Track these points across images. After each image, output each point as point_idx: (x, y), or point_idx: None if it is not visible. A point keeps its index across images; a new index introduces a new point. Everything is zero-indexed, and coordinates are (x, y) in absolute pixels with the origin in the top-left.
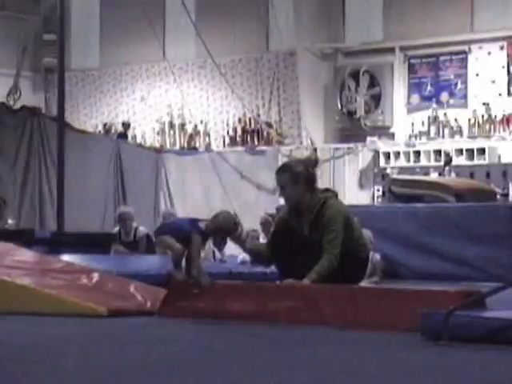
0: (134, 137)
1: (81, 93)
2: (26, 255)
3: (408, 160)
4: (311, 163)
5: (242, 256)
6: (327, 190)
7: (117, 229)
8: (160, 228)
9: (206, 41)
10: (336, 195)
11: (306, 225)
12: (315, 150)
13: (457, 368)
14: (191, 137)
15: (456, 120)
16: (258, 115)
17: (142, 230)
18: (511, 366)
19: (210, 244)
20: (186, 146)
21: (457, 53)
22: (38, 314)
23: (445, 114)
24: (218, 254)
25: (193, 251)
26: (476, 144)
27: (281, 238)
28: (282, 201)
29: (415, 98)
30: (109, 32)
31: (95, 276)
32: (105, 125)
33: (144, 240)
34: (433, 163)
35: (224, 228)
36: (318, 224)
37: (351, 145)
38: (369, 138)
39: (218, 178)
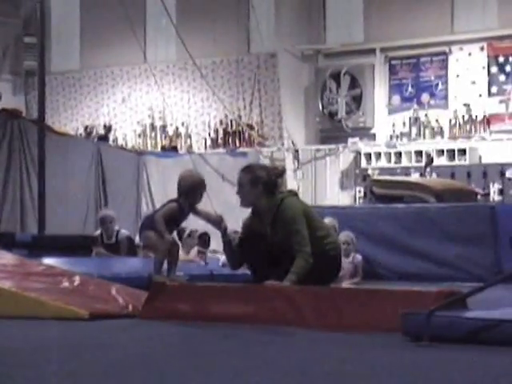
0: (116, 139)
1: (61, 95)
2: (6, 258)
3: (389, 161)
4: (276, 172)
5: (224, 258)
6: (289, 191)
7: (98, 231)
8: (142, 224)
9: (186, 43)
10: (295, 194)
11: (268, 226)
12: (297, 151)
13: (438, 368)
14: (172, 139)
15: (437, 121)
16: (240, 117)
17: (124, 232)
18: (492, 365)
19: (195, 248)
20: (167, 148)
21: (437, 54)
22: (18, 318)
23: (425, 114)
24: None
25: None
26: (457, 145)
27: (248, 243)
28: None
29: (396, 99)
30: (89, 34)
31: (76, 279)
32: (86, 127)
33: (125, 242)
34: (414, 164)
35: (197, 181)
36: (276, 225)
37: (332, 146)
38: (350, 139)
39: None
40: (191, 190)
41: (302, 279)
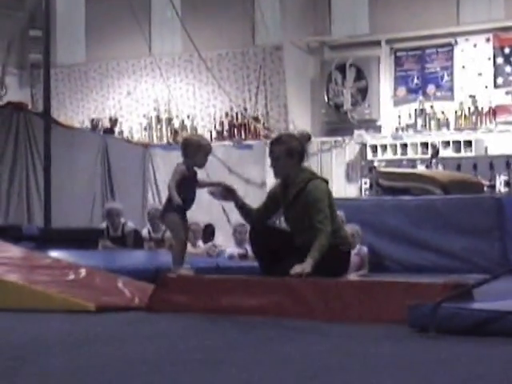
0: (121, 132)
1: (67, 88)
2: (13, 251)
3: (395, 153)
4: (305, 138)
5: (230, 251)
6: (322, 177)
7: (105, 224)
8: (164, 207)
9: (192, 35)
10: (327, 181)
11: (289, 198)
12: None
13: (444, 360)
14: (176, 132)
15: (443, 112)
16: (245, 109)
17: (130, 225)
18: (498, 357)
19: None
20: (172, 140)
21: (443, 45)
22: (25, 311)
23: (431, 106)
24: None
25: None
26: (463, 136)
27: (258, 236)
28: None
29: (402, 91)
30: (94, 27)
31: (83, 272)
32: (92, 120)
33: (132, 235)
34: (420, 156)
35: (200, 142)
36: (299, 199)
37: (338, 138)
38: (356, 131)
39: (205, 172)
40: (196, 150)
41: (322, 256)
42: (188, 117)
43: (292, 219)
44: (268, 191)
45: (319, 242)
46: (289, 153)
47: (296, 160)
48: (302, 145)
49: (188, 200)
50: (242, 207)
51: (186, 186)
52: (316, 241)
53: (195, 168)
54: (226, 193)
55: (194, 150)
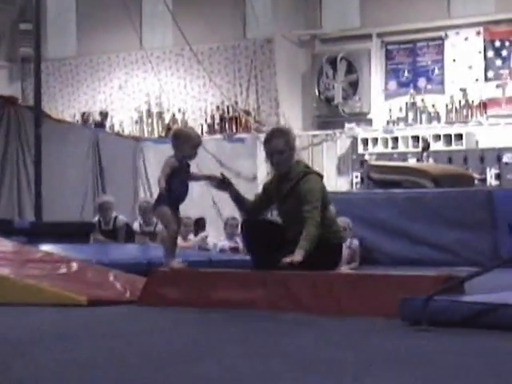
0: (112, 126)
1: (58, 82)
2: (4, 245)
3: (386, 146)
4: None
5: (222, 244)
6: (317, 172)
7: (96, 218)
8: (157, 199)
9: (183, 29)
10: (322, 176)
11: (283, 191)
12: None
13: (436, 353)
14: (170, 128)
15: (433, 106)
16: (236, 103)
17: (122, 218)
18: (490, 349)
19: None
20: (165, 135)
21: (433, 39)
22: (17, 304)
23: (422, 99)
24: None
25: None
26: (453, 129)
27: (250, 229)
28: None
29: (392, 84)
30: (85, 21)
31: (74, 265)
32: (83, 114)
33: (123, 229)
34: (411, 149)
35: (189, 133)
36: (293, 193)
37: (329, 131)
38: (347, 125)
39: (196, 166)
40: (184, 141)
41: (312, 247)
42: (179, 110)
43: (285, 212)
44: (263, 184)
45: (307, 231)
46: (290, 145)
47: (294, 152)
48: (294, 136)
49: (180, 193)
50: (237, 199)
51: (178, 178)
52: (304, 230)
53: (187, 160)
54: (221, 184)
55: (183, 142)
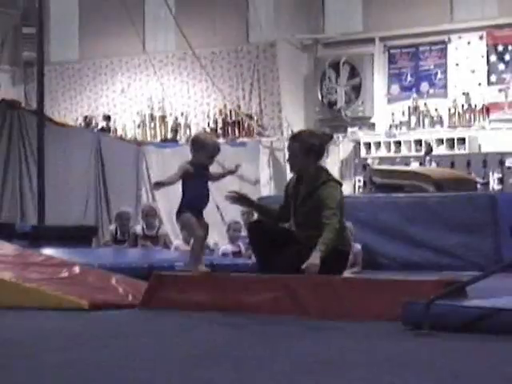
0: (115, 130)
1: (60, 86)
2: (6, 249)
3: (389, 150)
4: (325, 139)
5: (224, 248)
6: (338, 181)
7: (112, 227)
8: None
9: (185, 33)
10: (341, 185)
11: (302, 194)
12: None
13: (437, 357)
14: (177, 130)
15: (436, 110)
16: (239, 107)
17: (137, 229)
18: (491, 354)
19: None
20: (166, 138)
21: (436, 43)
22: (19, 308)
23: (425, 103)
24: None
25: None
26: (456, 133)
27: (257, 232)
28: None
29: (395, 89)
30: (88, 25)
31: (76, 269)
32: (85, 118)
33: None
34: (413, 153)
35: (208, 143)
36: (311, 197)
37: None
38: (349, 129)
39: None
40: (200, 149)
41: (327, 252)
42: (182, 114)
43: (300, 214)
44: (284, 189)
45: (327, 235)
46: (305, 151)
47: (312, 158)
48: (321, 144)
49: (200, 196)
50: (261, 210)
51: (194, 182)
52: (323, 234)
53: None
54: (241, 200)
55: (198, 149)
